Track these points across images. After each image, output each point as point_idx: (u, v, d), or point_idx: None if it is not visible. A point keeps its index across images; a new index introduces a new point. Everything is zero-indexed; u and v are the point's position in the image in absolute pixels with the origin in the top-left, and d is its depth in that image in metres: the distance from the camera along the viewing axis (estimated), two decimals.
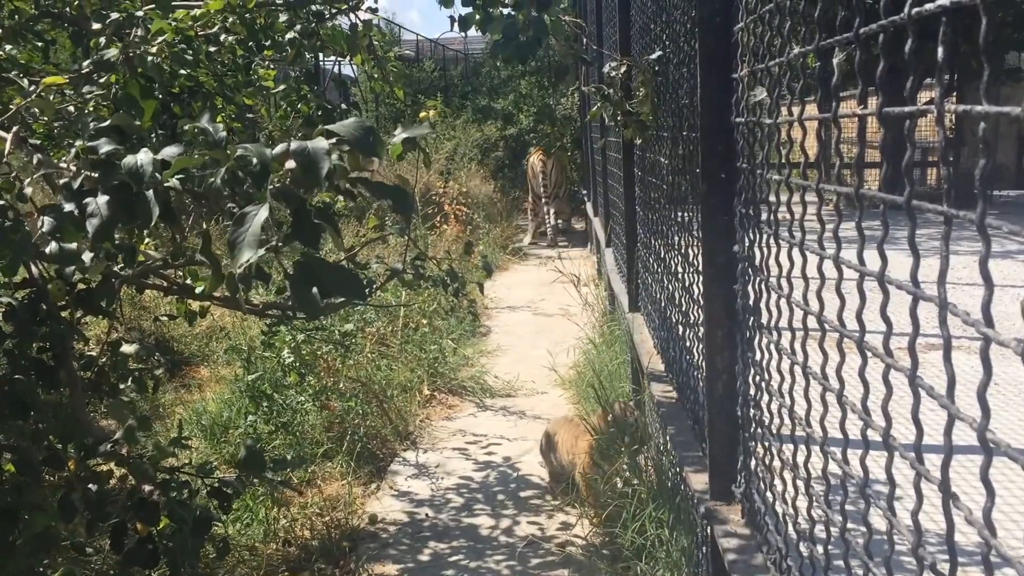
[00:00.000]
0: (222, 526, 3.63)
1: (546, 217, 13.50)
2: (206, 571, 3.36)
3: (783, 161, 1.79)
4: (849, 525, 1.43)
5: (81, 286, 2.91)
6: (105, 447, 2.73)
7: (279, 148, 1.81)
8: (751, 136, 1.99)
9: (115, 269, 3.00)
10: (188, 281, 3.42)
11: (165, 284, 3.40)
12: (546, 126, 15.14)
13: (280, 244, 1.89)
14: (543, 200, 13.45)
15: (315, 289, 1.81)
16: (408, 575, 3.75)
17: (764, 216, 1.93)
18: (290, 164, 1.79)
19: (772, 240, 1.86)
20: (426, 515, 4.32)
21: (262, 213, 1.71)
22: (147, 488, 2.83)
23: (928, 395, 1.03)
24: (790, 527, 1.81)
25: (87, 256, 2.54)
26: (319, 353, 5.61)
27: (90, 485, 2.78)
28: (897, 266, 1.09)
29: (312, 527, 4.06)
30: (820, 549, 1.60)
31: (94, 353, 3.18)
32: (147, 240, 3.30)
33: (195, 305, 3.64)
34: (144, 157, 1.92)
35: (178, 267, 3.36)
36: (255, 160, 1.83)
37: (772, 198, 1.91)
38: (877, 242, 1.18)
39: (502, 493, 4.52)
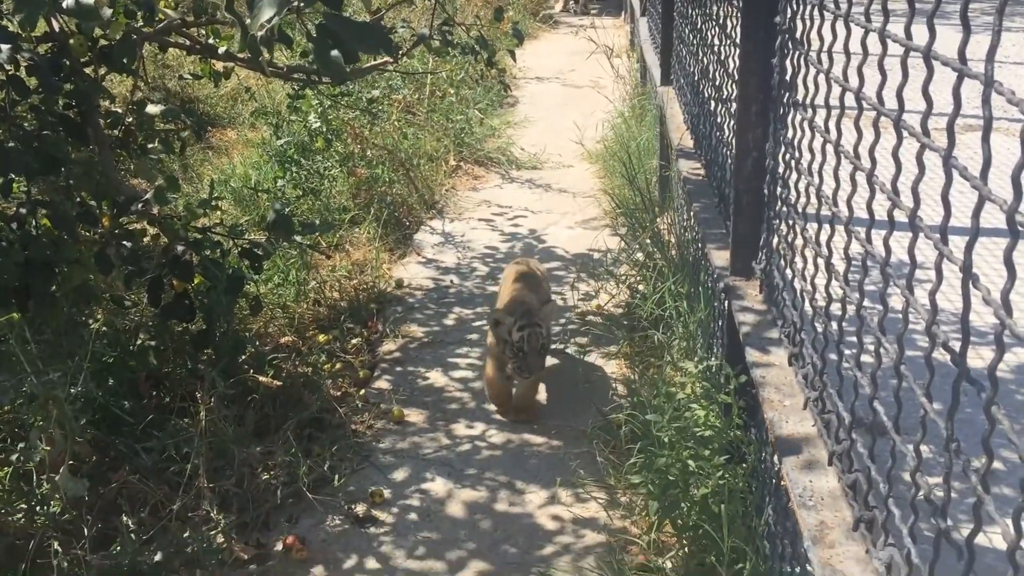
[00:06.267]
0: (254, 285, 3.74)
1: None
2: (240, 326, 3.50)
3: None
4: (865, 303, 1.45)
5: (103, 42, 2.86)
6: (137, 206, 2.78)
7: None
8: None
9: (136, 27, 2.93)
10: (211, 41, 3.34)
11: (188, 43, 3.33)
12: None
13: (302, 4, 1.83)
14: None
15: (338, 52, 1.76)
16: (433, 337, 3.90)
17: None
18: None
19: (816, 11, 1.78)
20: (451, 282, 4.44)
21: None
22: (180, 247, 2.91)
23: (961, 176, 1.02)
24: (807, 303, 1.84)
25: (106, 12, 2.48)
26: (345, 119, 5.56)
27: (124, 242, 2.85)
28: (944, 42, 1.04)
29: (341, 289, 4.19)
30: (834, 325, 1.64)
31: (120, 111, 3.16)
32: None
33: (219, 66, 3.58)
34: None
35: (200, 25, 3.28)
36: None
37: None
38: (927, 15, 1.12)
39: None
